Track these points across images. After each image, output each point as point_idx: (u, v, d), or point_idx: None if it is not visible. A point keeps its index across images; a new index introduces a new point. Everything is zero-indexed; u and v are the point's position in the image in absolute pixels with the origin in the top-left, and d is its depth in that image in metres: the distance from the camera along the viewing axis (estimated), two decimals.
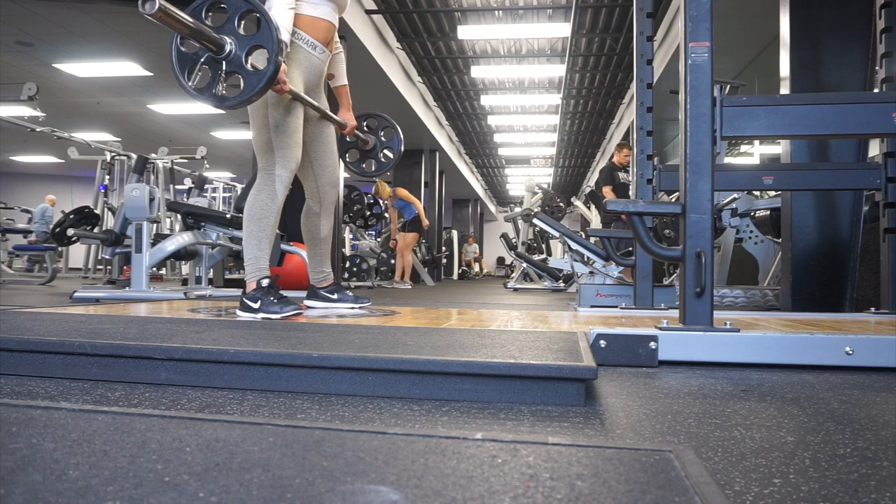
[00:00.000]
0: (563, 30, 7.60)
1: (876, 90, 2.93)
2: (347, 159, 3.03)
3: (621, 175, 6.22)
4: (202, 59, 1.79)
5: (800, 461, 0.79)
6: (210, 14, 1.81)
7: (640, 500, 0.56)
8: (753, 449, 0.84)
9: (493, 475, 0.62)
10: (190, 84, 1.79)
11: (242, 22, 1.79)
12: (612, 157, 6.54)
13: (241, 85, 1.79)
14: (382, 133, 2.99)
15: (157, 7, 1.47)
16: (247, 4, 1.78)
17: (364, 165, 3.02)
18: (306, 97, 2.27)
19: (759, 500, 0.65)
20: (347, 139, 2.89)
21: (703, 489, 0.58)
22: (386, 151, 3.00)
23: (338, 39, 2.57)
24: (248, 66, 1.78)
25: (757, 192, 4.26)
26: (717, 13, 1.71)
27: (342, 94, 2.70)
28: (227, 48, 1.75)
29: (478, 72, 9.17)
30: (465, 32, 7.77)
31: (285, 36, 2.05)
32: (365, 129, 2.97)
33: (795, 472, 0.74)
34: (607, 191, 6.20)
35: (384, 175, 3.53)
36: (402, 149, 3.03)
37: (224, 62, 1.76)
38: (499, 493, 0.58)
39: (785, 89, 3.37)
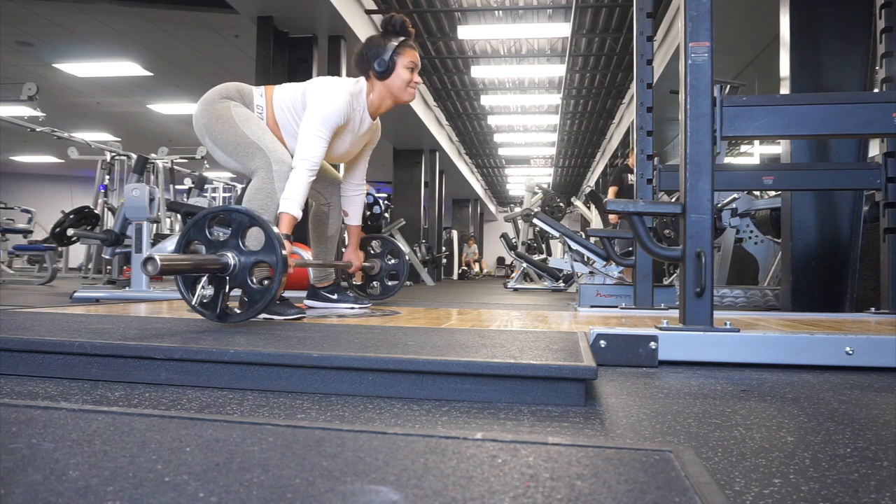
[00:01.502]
0: (563, 30, 7.60)
1: (876, 90, 2.93)
2: (353, 282, 3.12)
3: (630, 177, 6.27)
4: (206, 277, 1.77)
5: (800, 461, 0.78)
6: (213, 225, 1.79)
7: (640, 500, 0.56)
8: (753, 449, 0.84)
9: (493, 475, 0.62)
10: (194, 300, 1.77)
11: (246, 236, 1.76)
12: (617, 155, 6.65)
13: (247, 300, 1.75)
14: (389, 257, 3.03)
15: (159, 268, 1.51)
16: (251, 220, 1.76)
17: (369, 289, 3.08)
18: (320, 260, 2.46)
19: (759, 500, 0.65)
20: None
21: (703, 489, 0.58)
22: (392, 273, 3.05)
23: (363, 181, 2.62)
24: (253, 283, 1.74)
25: (757, 192, 4.25)
26: (717, 13, 1.71)
27: (353, 233, 2.70)
28: (231, 267, 1.72)
29: (478, 72, 9.17)
30: (465, 32, 7.77)
31: (297, 212, 2.08)
32: (370, 251, 2.99)
33: (795, 472, 0.74)
34: (612, 190, 6.31)
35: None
36: (407, 274, 3.11)
37: (228, 278, 1.74)
38: (499, 493, 0.58)
39: (785, 89, 3.37)
